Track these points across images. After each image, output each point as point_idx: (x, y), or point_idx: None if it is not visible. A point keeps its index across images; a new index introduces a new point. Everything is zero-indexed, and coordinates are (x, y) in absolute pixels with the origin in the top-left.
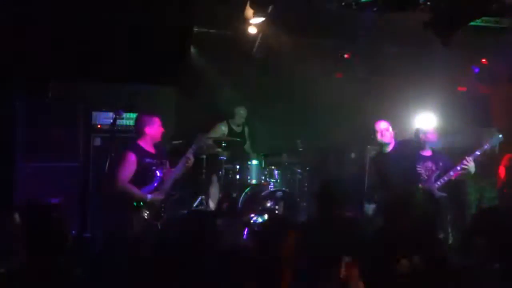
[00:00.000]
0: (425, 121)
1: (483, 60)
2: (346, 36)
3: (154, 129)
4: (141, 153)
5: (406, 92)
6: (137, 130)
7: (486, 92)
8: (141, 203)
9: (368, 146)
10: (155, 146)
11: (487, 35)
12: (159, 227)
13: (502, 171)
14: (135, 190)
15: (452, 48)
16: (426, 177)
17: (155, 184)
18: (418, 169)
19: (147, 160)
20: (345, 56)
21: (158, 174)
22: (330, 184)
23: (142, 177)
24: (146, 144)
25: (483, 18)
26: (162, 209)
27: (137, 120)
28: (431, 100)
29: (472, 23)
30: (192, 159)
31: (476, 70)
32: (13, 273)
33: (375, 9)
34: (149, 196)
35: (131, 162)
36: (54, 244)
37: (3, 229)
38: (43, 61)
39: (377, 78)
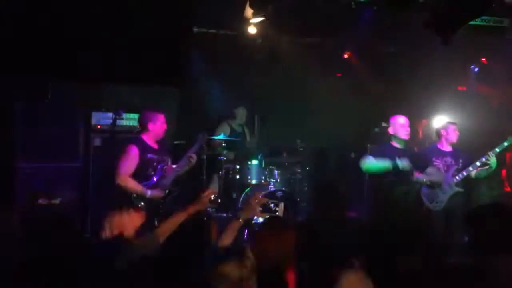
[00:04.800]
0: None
1: (483, 60)
2: (346, 36)
3: (157, 126)
4: (144, 148)
5: (405, 91)
6: (141, 125)
7: (485, 92)
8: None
9: (368, 145)
10: (158, 142)
11: (487, 35)
12: (156, 223)
13: (503, 170)
14: (136, 185)
15: (452, 48)
16: (444, 171)
17: (155, 180)
18: (437, 163)
19: (149, 155)
20: (345, 56)
21: (159, 170)
22: (330, 184)
23: (143, 171)
24: (149, 139)
25: (483, 18)
26: (161, 206)
27: (141, 115)
28: (433, 100)
29: (472, 23)
30: (195, 158)
31: (476, 70)
32: (13, 273)
33: (375, 8)
34: (149, 193)
35: (133, 156)
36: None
37: (3, 229)
38: (43, 61)
39: (376, 78)
